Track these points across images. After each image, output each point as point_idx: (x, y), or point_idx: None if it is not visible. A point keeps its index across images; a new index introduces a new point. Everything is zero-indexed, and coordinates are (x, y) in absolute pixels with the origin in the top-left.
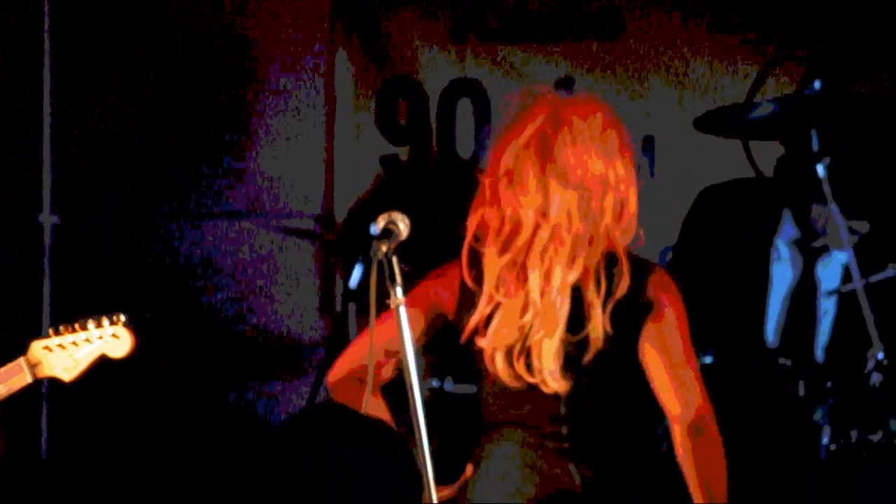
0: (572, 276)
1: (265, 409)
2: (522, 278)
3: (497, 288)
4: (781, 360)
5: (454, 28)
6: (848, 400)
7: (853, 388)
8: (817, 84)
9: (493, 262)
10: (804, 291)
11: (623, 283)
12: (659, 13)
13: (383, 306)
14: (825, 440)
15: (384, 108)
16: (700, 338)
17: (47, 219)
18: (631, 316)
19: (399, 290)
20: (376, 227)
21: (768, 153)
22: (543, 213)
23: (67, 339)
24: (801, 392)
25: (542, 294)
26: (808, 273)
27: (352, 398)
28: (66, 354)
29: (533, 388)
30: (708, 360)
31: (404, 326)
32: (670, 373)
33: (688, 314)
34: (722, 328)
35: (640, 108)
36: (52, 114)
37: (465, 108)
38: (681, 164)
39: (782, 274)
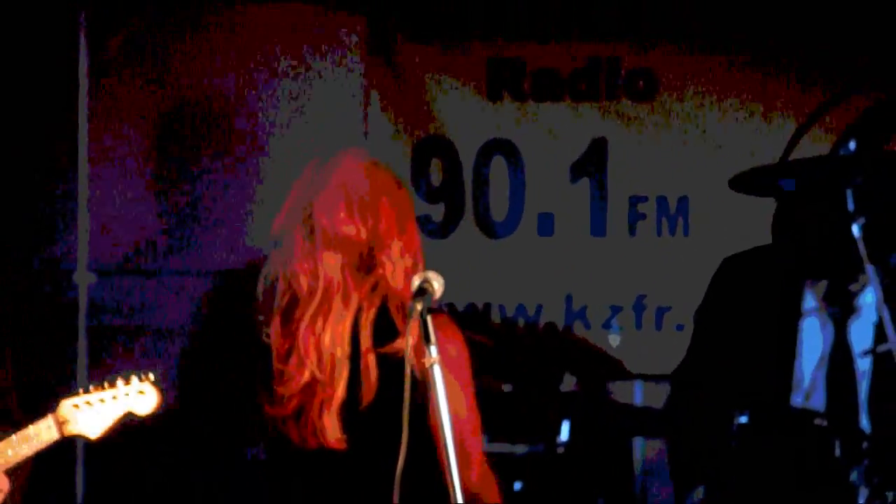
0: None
1: None
2: None
3: None
4: (817, 421)
5: (489, 88)
6: (885, 461)
7: (890, 448)
8: (852, 144)
9: None
10: (839, 353)
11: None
12: (693, 73)
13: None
14: (861, 501)
15: (418, 167)
16: (734, 399)
17: (84, 277)
18: None
19: (433, 350)
20: (411, 286)
21: None
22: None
23: (95, 396)
24: (837, 452)
25: None
26: (841, 334)
27: None
28: (93, 412)
29: None
30: (743, 419)
31: (439, 386)
32: None
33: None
34: (754, 390)
35: (675, 167)
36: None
37: (498, 166)
38: (716, 223)
39: (812, 335)
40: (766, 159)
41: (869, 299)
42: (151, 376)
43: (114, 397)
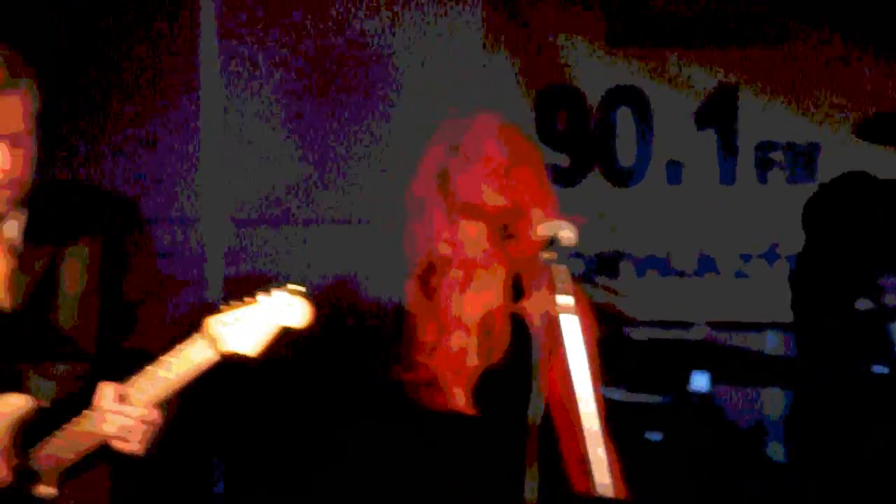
0: None
1: None
2: None
3: None
4: (877, 368)
5: (611, 34)
6: None
7: None
8: None
9: None
10: None
11: None
12: (823, 20)
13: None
14: None
15: (543, 116)
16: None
17: (221, 227)
18: None
19: (563, 299)
20: (541, 236)
21: None
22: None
23: (241, 311)
24: None
25: None
26: None
27: None
28: (243, 327)
29: None
30: (880, 370)
31: (570, 335)
32: None
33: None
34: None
35: (804, 114)
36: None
37: (625, 115)
38: (846, 171)
39: None
40: None
41: None
42: (297, 287)
43: (259, 311)
